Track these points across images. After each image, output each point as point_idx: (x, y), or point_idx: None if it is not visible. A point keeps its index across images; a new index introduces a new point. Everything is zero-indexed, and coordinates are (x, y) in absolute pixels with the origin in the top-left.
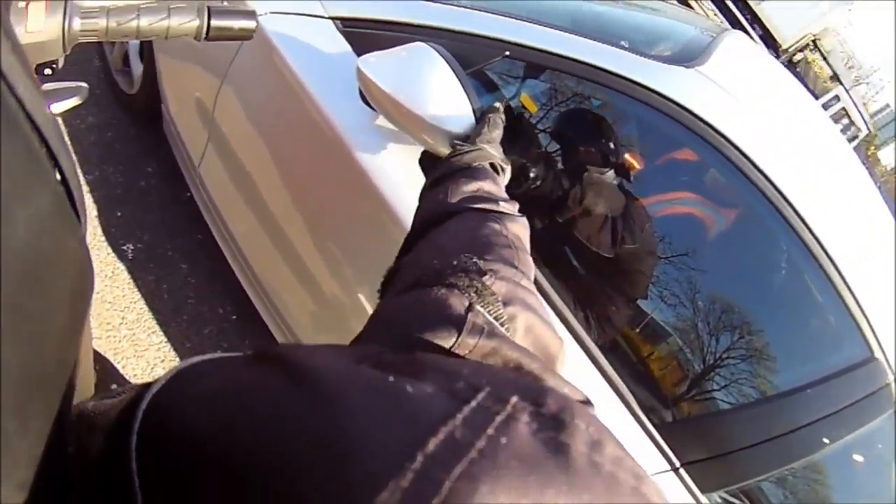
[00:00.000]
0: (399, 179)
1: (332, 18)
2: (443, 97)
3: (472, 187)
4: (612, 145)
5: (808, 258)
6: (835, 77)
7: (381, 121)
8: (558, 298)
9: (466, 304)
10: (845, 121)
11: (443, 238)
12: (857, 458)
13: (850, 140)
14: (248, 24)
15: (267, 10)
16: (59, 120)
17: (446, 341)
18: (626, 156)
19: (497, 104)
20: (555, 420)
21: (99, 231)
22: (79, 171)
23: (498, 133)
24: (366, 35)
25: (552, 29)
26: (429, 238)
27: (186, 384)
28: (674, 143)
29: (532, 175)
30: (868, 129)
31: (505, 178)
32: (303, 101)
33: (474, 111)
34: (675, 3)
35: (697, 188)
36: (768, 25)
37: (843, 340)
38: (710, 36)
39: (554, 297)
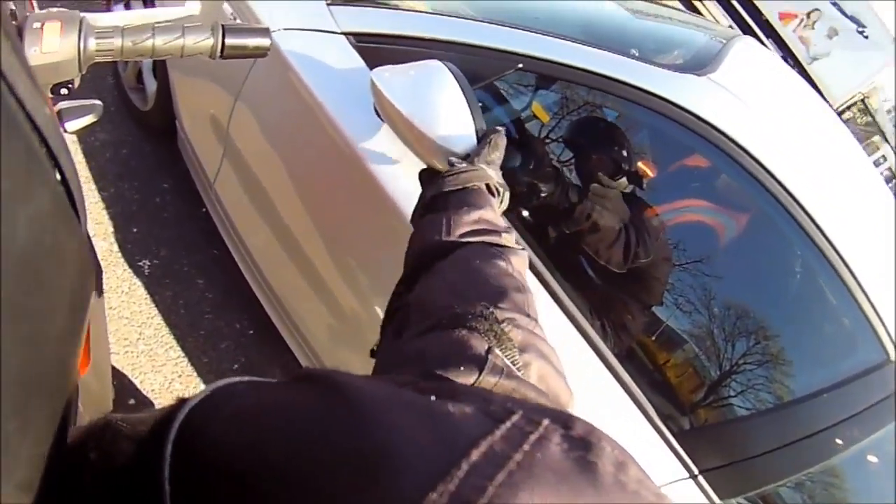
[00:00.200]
0: (414, 191)
1: (345, 34)
2: (449, 117)
3: (472, 217)
4: (625, 154)
5: (823, 262)
6: (882, 135)
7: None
8: (574, 308)
9: (486, 346)
10: None
11: (452, 275)
12: (872, 458)
13: None
14: (263, 41)
15: (280, 27)
16: (75, 137)
17: (468, 378)
18: (640, 164)
19: (499, 127)
20: (583, 441)
21: (115, 247)
22: (93, 185)
23: (498, 155)
24: (379, 49)
25: (564, 40)
26: (435, 272)
27: (221, 402)
28: (687, 151)
29: (547, 185)
30: None
31: (503, 202)
32: (317, 116)
33: (476, 132)
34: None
35: (710, 195)
36: (819, 86)
37: (859, 344)
38: (720, 42)
39: (570, 306)
